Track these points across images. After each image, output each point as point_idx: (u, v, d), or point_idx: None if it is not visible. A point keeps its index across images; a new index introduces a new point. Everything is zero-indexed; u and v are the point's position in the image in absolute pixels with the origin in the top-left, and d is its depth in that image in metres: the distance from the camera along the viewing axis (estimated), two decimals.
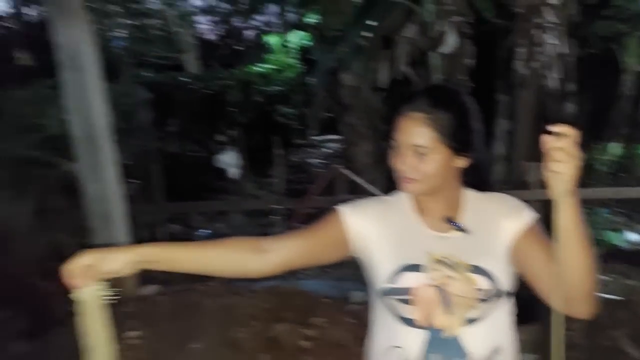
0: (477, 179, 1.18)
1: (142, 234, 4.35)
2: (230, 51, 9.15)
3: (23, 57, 3.07)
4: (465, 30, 4.54)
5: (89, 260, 1.04)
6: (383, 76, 4.89)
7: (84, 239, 4.11)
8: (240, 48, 9.48)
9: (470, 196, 1.18)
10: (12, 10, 7.92)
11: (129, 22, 4.98)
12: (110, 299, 1.08)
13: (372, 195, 4.12)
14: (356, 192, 4.72)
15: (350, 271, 3.90)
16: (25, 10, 7.75)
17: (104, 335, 1.08)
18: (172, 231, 5.02)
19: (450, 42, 4.51)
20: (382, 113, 5.47)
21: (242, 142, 5.54)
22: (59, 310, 3.57)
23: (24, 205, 3.82)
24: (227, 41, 9.59)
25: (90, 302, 1.06)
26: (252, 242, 1.15)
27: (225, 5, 8.10)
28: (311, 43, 7.55)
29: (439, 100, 1.11)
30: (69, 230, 4.11)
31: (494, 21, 4.48)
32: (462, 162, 1.12)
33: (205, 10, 7.76)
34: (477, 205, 1.17)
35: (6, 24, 7.70)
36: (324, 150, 7.95)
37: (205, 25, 9.23)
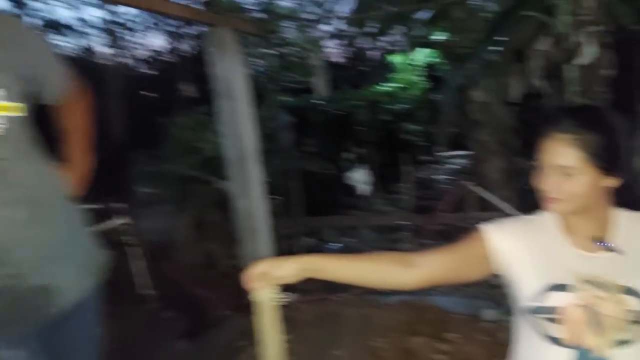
0: (628, 197, 1.15)
1: (282, 246, 4.70)
2: (356, 72, 9.46)
3: (188, 89, 3.53)
4: (604, 39, 4.29)
5: (265, 267, 1.18)
6: (515, 91, 4.79)
7: (233, 250, 4.56)
8: (366, 68, 9.75)
9: (622, 216, 1.16)
10: (168, 46, 9.09)
11: (268, 51, 5.45)
12: (281, 302, 1.23)
13: (503, 212, 4.04)
14: (486, 210, 4.65)
15: (481, 289, 3.87)
16: (178, 45, 8.83)
17: (275, 333, 1.23)
18: (307, 244, 5.32)
19: (588, 53, 4.28)
20: (513, 128, 5.33)
21: (371, 159, 5.73)
22: (212, 314, 4.00)
23: (185, 218, 4.36)
24: (354, 62, 9.93)
25: (264, 304, 1.21)
26: (402, 256, 1.23)
27: (352, 29, 8.42)
28: (437, 60, 7.58)
29: (586, 120, 1.10)
30: (220, 241, 4.59)
31: (636, 28, 4.18)
32: (611, 182, 1.11)
33: (334, 35, 8.16)
34: (629, 225, 1.15)
35: (164, 58, 8.83)
36: (450, 166, 7.87)
37: (333, 49, 9.67)
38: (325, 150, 6.30)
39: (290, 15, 5.79)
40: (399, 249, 5.03)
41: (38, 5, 7.60)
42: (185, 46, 8.43)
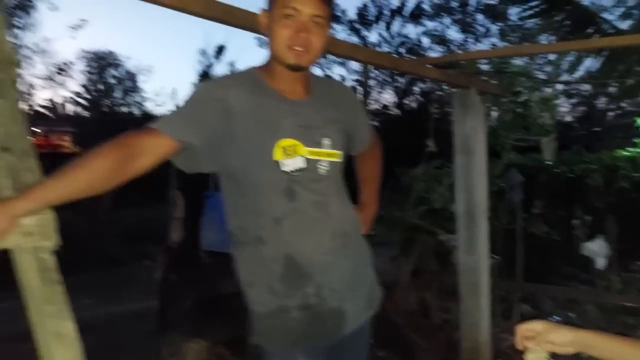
0: None
1: (498, 307, 4.55)
2: (589, 133, 8.78)
3: (430, 144, 3.76)
4: None
5: (540, 328, 1.21)
6: None
7: (447, 303, 4.58)
8: (600, 129, 8.98)
9: None
10: (396, 101, 9.76)
11: (502, 109, 5.47)
12: None
13: None
14: None
15: None
16: (406, 100, 9.42)
17: None
18: (524, 311, 5.05)
19: None
20: None
21: (606, 230, 5.22)
22: None
23: (406, 264, 4.56)
24: (586, 123, 9.24)
25: None
26: None
27: (587, 87, 7.93)
28: None
29: None
30: (435, 292, 4.65)
31: None
32: None
33: (568, 94, 7.77)
34: None
35: (392, 112, 9.49)
36: None
37: (564, 108, 9.18)
38: (552, 214, 5.94)
39: (526, 75, 5.73)
40: (632, 335, 4.46)
41: None
42: (412, 101, 8.98)
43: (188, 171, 1.54)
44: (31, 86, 14.44)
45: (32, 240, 1.15)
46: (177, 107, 1.55)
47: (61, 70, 13.06)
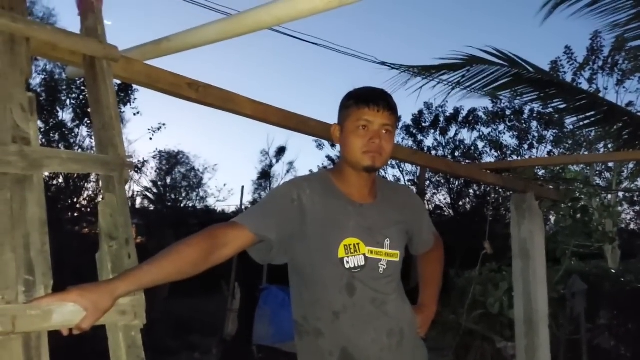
0: None
1: None
2: None
3: (487, 246, 3.75)
4: None
5: None
6: None
7: None
8: None
9: None
10: (449, 202, 9.85)
11: (559, 215, 5.42)
12: None
13: None
14: None
15: None
16: (460, 202, 9.49)
17: None
18: None
19: None
20: None
21: None
22: None
23: None
24: None
25: None
26: None
27: None
28: None
29: None
30: None
31: None
32: None
33: (631, 201, 7.55)
34: None
35: (445, 213, 9.53)
36: None
37: (628, 215, 8.88)
38: (620, 326, 5.59)
39: (584, 181, 5.71)
40: None
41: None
42: (466, 203, 9.02)
43: (260, 262, 1.66)
44: None
45: (125, 318, 1.28)
46: (258, 203, 1.72)
47: (137, 168, 14.15)
